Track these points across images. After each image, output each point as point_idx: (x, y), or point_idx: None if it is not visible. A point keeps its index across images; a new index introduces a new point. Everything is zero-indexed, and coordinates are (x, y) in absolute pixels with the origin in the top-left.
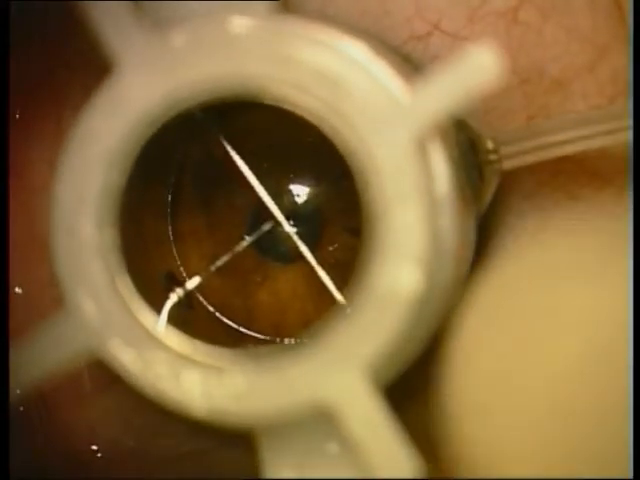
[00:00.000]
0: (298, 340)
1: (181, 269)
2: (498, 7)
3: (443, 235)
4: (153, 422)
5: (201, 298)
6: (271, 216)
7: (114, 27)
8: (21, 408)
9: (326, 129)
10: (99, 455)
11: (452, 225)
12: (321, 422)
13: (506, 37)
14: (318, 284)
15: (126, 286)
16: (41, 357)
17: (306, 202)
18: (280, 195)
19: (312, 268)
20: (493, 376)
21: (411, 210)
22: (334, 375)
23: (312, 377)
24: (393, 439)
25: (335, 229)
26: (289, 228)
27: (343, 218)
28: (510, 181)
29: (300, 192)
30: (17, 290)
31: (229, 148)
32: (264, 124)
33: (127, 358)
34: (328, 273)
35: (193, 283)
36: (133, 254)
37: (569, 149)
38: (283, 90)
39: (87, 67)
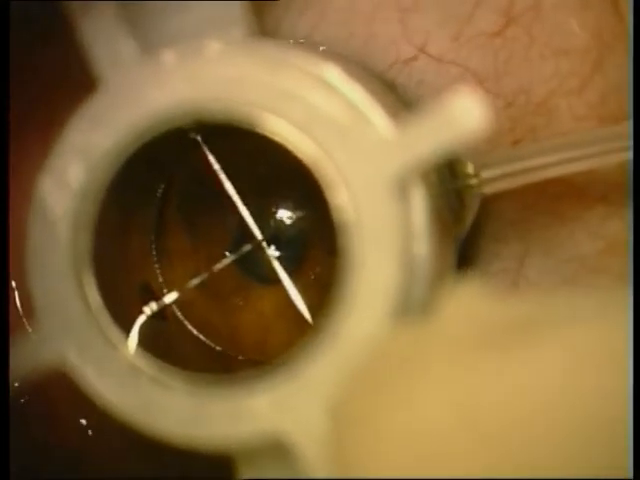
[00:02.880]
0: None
1: (162, 285)
2: (484, 28)
3: (417, 266)
4: None
5: (180, 316)
6: (253, 237)
7: (104, 43)
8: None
9: (302, 156)
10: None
11: (428, 256)
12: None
13: (492, 59)
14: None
15: (95, 302)
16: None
17: (290, 224)
18: (264, 217)
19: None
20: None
21: (385, 251)
22: (293, 411)
23: (270, 409)
24: None
25: (318, 252)
26: (269, 251)
27: (327, 241)
28: (492, 205)
29: (284, 215)
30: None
31: (217, 167)
32: (252, 146)
33: (89, 374)
34: (310, 295)
35: (170, 298)
36: (114, 267)
37: (552, 172)
38: (257, 114)
39: (74, 79)
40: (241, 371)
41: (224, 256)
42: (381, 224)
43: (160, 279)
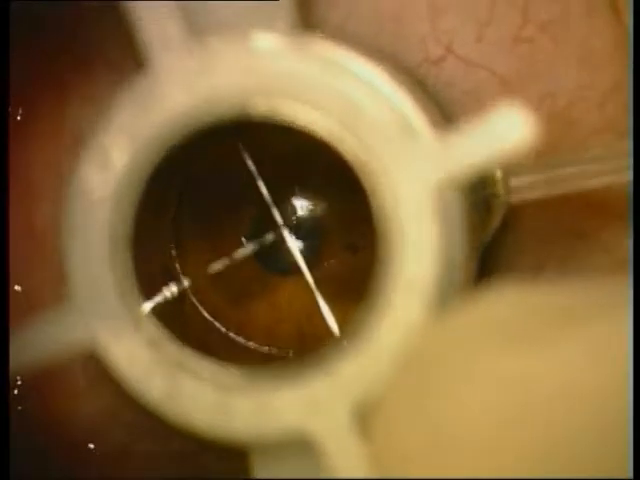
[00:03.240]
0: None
1: (179, 271)
2: (507, 31)
3: (452, 268)
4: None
5: (196, 303)
6: (274, 227)
7: (155, 24)
8: (19, 408)
9: (345, 152)
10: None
11: (462, 263)
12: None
13: (517, 63)
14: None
15: (130, 285)
16: (37, 346)
17: (308, 216)
18: (283, 208)
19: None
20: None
21: (421, 255)
22: (322, 410)
23: (298, 407)
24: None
25: (335, 245)
26: (291, 241)
27: (344, 235)
28: (513, 216)
29: (303, 206)
30: (17, 288)
31: (245, 154)
32: (275, 135)
33: (117, 354)
34: (325, 288)
35: (186, 282)
36: (140, 251)
37: (578, 184)
38: (303, 111)
39: (91, 66)
40: (259, 362)
41: (241, 245)
42: (420, 230)
43: (177, 266)
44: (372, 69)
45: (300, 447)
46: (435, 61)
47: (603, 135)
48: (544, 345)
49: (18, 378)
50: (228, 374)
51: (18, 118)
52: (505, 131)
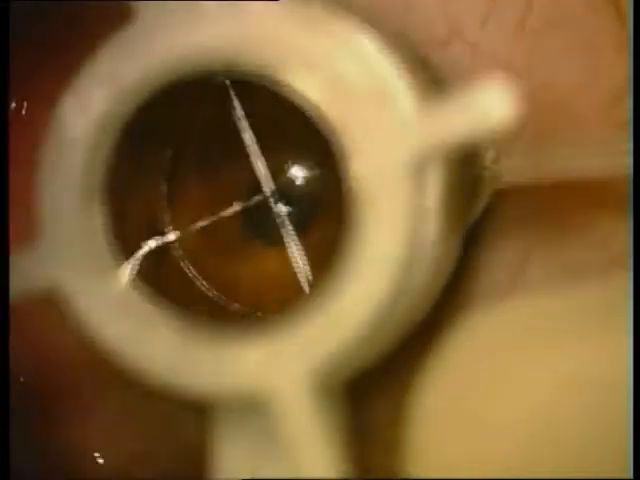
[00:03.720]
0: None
1: (167, 227)
2: (511, 18)
3: (423, 248)
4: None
5: (179, 256)
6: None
7: None
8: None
9: (325, 120)
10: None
11: (435, 241)
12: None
13: (520, 50)
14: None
15: (99, 229)
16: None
17: (302, 185)
18: (278, 174)
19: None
20: (462, 401)
21: (392, 227)
22: (280, 367)
23: (257, 362)
24: (321, 445)
25: (328, 217)
26: (278, 205)
27: (338, 205)
28: (501, 200)
29: (299, 174)
30: None
31: (240, 113)
32: (274, 101)
33: (81, 301)
34: (313, 258)
35: (172, 236)
36: (124, 202)
37: (572, 171)
38: (286, 72)
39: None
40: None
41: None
42: (392, 200)
43: (166, 221)
44: (363, 36)
45: (260, 406)
46: (441, 42)
47: (604, 128)
48: (575, 344)
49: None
50: (192, 325)
51: (23, 112)
52: (489, 105)
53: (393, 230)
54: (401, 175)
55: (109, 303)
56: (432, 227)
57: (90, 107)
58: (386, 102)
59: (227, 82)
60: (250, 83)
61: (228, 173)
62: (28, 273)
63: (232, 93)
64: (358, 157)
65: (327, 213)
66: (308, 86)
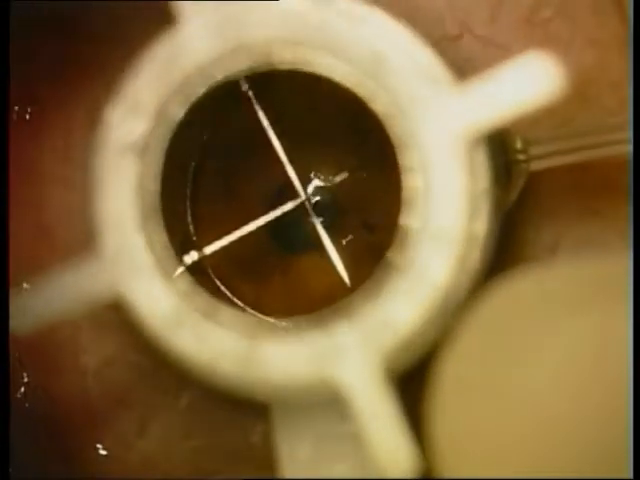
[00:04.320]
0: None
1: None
2: (521, 12)
3: (477, 229)
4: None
5: (212, 275)
6: (293, 198)
7: None
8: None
9: (370, 102)
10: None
11: (486, 221)
12: (338, 404)
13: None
14: (331, 277)
15: (157, 236)
16: (61, 294)
17: (327, 193)
18: (302, 183)
19: (326, 260)
20: (482, 391)
21: (451, 201)
22: (349, 356)
23: (324, 355)
24: (396, 432)
25: (352, 223)
26: (312, 212)
27: (362, 213)
28: (535, 186)
29: (322, 182)
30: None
31: (265, 123)
32: (296, 108)
33: (144, 305)
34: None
35: (210, 249)
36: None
37: (599, 153)
38: (329, 60)
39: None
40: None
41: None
42: (445, 178)
43: (192, 233)
44: (394, 22)
45: (321, 401)
46: (453, 38)
47: (617, 115)
48: (602, 312)
49: (24, 375)
50: (255, 323)
51: (27, 117)
52: (530, 80)
53: (448, 209)
54: (452, 154)
55: (173, 307)
56: (483, 203)
57: (140, 111)
58: (428, 83)
59: (250, 92)
60: (274, 90)
61: (250, 187)
62: (90, 282)
63: (253, 99)
64: (407, 139)
65: (353, 222)
66: (351, 74)
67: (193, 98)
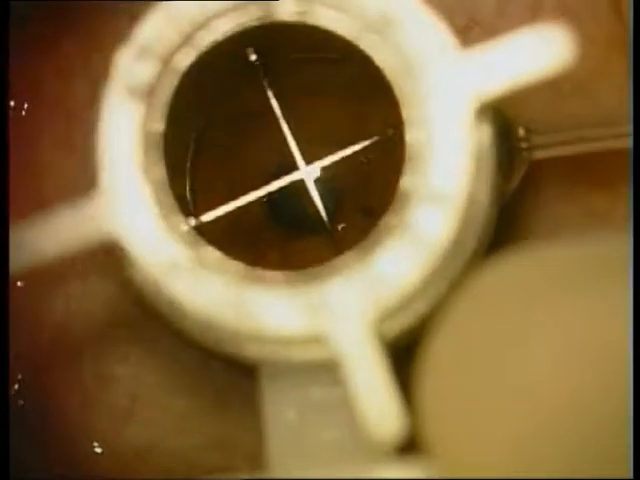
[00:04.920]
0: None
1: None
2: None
3: (478, 192)
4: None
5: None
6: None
7: None
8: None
9: (378, 60)
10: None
11: (488, 185)
12: (325, 367)
13: None
14: (329, 257)
15: (162, 183)
16: (58, 232)
17: (325, 177)
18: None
19: (325, 240)
20: (471, 376)
21: (452, 161)
22: (342, 311)
23: (318, 308)
24: (385, 393)
25: (350, 207)
26: (312, 187)
27: (360, 197)
28: (530, 185)
29: (323, 165)
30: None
31: (271, 97)
32: (298, 91)
33: (142, 248)
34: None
35: (206, 217)
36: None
37: (599, 145)
38: (337, 15)
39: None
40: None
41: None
42: (449, 141)
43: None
44: None
45: (310, 365)
46: (460, 30)
47: (617, 111)
48: (600, 291)
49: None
50: (251, 273)
51: (23, 113)
52: (539, 48)
53: (451, 171)
54: (458, 117)
55: (169, 251)
56: (487, 171)
57: (152, 53)
58: (437, 46)
59: (257, 62)
60: (280, 64)
61: (251, 161)
62: (89, 221)
63: (262, 73)
64: (413, 99)
65: (352, 206)
66: (360, 31)
67: (202, 48)
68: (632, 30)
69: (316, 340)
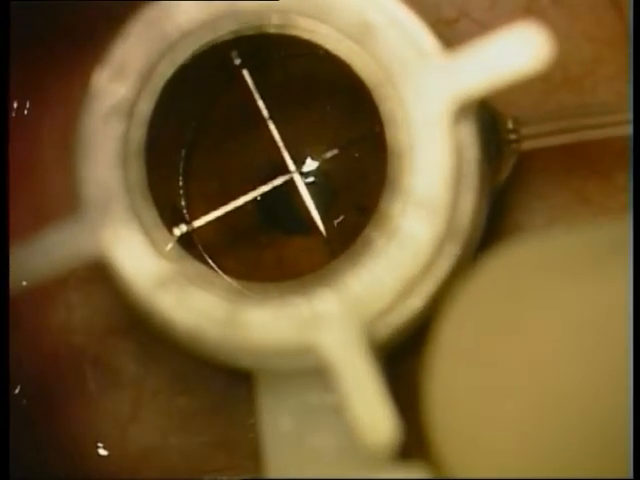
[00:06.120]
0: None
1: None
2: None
3: (464, 199)
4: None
5: (201, 249)
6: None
7: None
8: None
9: (359, 70)
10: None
11: (474, 191)
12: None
13: None
14: (322, 258)
15: (145, 200)
16: (47, 254)
17: (319, 174)
18: (294, 161)
19: (318, 241)
20: (477, 366)
21: (437, 169)
22: (331, 322)
23: (307, 319)
24: (376, 400)
25: (344, 205)
26: (303, 188)
27: (354, 195)
28: (522, 174)
29: (315, 164)
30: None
31: (257, 96)
32: (286, 89)
33: (127, 266)
34: (332, 246)
35: (198, 222)
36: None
37: (590, 135)
38: (319, 26)
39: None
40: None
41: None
42: (431, 146)
43: (185, 210)
44: None
45: (304, 371)
46: (449, 22)
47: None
48: (601, 280)
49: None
50: (239, 289)
51: (25, 112)
52: (517, 49)
53: (433, 177)
54: (438, 123)
55: (156, 269)
56: (471, 173)
57: (125, 74)
58: (417, 53)
59: (243, 69)
60: (266, 63)
61: (243, 163)
62: (72, 243)
63: (246, 73)
64: (395, 107)
65: (345, 200)
66: (341, 41)
67: (180, 62)
68: (632, 26)
69: (307, 350)
